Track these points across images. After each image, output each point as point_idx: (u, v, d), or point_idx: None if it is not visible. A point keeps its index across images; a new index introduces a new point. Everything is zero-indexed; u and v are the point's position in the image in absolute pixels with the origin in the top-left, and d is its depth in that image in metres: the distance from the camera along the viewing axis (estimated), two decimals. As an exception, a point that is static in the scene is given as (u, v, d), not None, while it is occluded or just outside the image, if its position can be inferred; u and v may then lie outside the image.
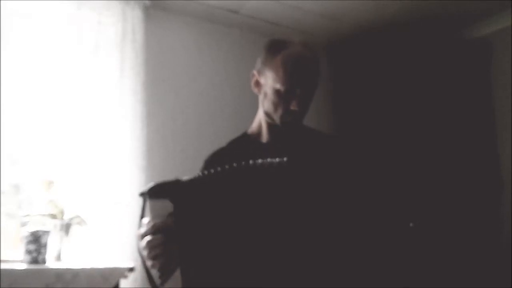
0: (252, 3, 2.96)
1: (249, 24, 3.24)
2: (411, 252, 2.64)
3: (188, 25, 3.16)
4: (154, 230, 1.02)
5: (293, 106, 1.21)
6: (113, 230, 2.50)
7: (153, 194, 1.03)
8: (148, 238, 1.02)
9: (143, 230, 1.04)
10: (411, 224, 2.67)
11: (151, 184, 1.04)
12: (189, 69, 3.11)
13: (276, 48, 1.26)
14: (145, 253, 1.03)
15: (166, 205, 1.01)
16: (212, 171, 1.03)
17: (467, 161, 2.95)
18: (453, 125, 3.04)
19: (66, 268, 2.06)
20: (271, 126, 1.29)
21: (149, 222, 1.04)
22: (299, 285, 1.04)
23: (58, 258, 2.32)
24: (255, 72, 1.30)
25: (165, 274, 1.02)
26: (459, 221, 2.86)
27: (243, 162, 1.02)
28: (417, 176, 2.98)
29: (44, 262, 2.18)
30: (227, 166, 1.02)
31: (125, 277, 2.19)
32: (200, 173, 1.05)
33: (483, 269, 2.72)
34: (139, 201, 1.05)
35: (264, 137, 1.32)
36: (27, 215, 2.35)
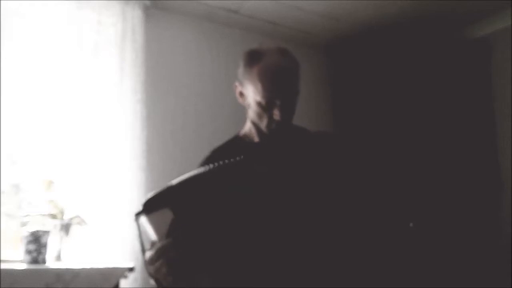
0: (252, 3, 2.97)
1: (249, 24, 3.24)
2: (411, 252, 2.64)
3: (188, 25, 3.16)
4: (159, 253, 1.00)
5: (276, 116, 1.22)
6: (113, 230, 2.50)
7: (149, 208, 1.02)
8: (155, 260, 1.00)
9: (150, 254, 1.01)
10: (411, 224, 2.67)
11: (143, 201, 1.03)
12: (189, 69, 3.11)
13: (252, 59, 1.25)
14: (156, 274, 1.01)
15: (166, 214, 1.00)
16: (200, 170, 1.03)
17: (467, 161, 2.95)
18: (453, 125, 3.04)
19: (66, 268, 2.06)
20: (260, 132, 1.31)
21: (155, 243, 1.01)
22: (301, 285, 1.04)
23: (58, 258, 2.32)
24: (237, 83, 1.31)
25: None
26: (459, 221, 2.85)
27: (230, 159, 1.02)
28: (417, 176, 2.98)
29: (44, 262, 2.18)
30: (215, 164, 1.03)
31: (125, 277, 2.19)
32: (189, 174, 1.04)
33: (483, 270, 2.72)
34: (134, 220, 1.03)
35: (256, 139, 1.34)
36: (27, 215, 2.35)
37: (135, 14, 2.81)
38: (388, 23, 3.18)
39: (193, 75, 3.12)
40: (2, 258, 2.25)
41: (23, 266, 2.08)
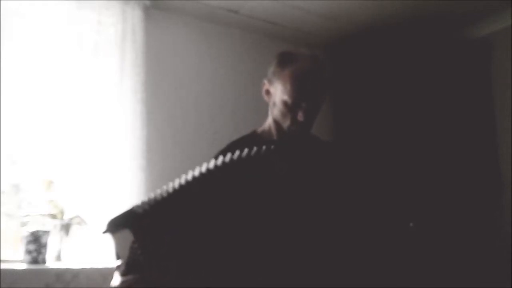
0: (252, 3, 2.96)
1: (249, 24, 3.24)
2: (411, 252, 2.64)
3: (188, 25, 3.16)
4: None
5: (300, 117, 1.30)
6: (113, 230, 2.50)
7: (112, 228, 1.04)
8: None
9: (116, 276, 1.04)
10: (411, 224, 2.67)
11: (107, 220, 1.05)
12: (189, 69, 3.11)
13: (285, 61, 1.33)
14: None
15: (126, 235, 1.01)
16: (162, 192, 1.01)
17: (467, 162, 2.95)
18: (453, 125, 3.04)
19: (66, 268, 2.07)
20: (280, 131, 1.37)
21: (119, 266, 1.04)
22: (303, 285, 1.04)
23: (58, 258, 2.32)
24: (265, 81, 1.38)
25: None
26: (459, 221, 2.85)
27: (251, 149, 1.00)
28: (417, 176, 2.98)
29: (44, 262, 2.18)
30: (176, 185, 1.01)
31: (125, 277, 2.19)
32: (153, 196, 1.03)
33: (483, 270, 2.72)
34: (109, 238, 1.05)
35: (274, 137, 1.39)
36: (27, 215, 2.35)
37: (135, 14, 2.81)
38: (388, 23, 3.18)
39: (193, 75, 3.12)
40: (2, 258, 2.25)
41: (23, 266, 2.08)
